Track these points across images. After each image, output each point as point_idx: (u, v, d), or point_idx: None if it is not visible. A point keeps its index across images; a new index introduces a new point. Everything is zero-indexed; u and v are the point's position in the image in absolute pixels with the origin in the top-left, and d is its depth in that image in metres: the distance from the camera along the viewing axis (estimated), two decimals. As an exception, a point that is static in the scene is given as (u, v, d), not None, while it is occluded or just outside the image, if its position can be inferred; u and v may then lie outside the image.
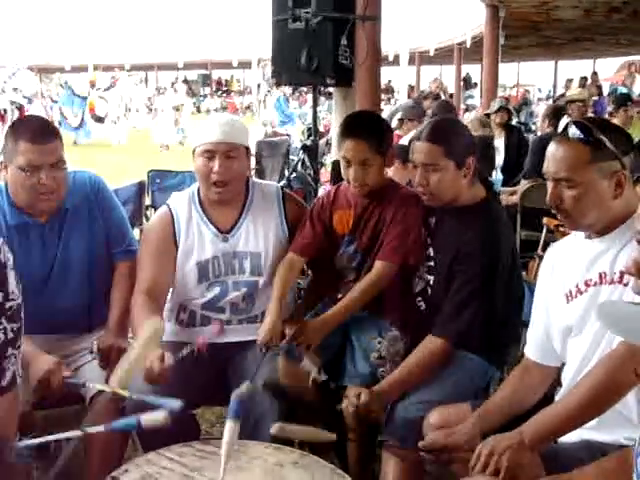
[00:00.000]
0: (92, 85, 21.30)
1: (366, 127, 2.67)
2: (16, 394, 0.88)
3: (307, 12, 4.08)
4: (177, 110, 20.85)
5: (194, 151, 2.68)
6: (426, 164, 2.49)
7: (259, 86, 25.23)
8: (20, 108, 13.20)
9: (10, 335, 0.82)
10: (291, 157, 7.69)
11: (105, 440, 2.46)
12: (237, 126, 2.70)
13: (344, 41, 4.13)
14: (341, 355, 2.68)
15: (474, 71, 26.57)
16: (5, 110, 12.71)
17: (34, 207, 2.60)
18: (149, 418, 1.99)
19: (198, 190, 2.76)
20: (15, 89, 13.46)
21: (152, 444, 2.35)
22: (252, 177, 2.99)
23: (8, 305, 0.81)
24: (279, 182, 5.97)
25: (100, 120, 20.33)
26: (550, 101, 19.86)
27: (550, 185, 2.05)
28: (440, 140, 2.49)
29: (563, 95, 14.29)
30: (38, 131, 2.55)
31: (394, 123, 6.51)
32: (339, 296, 2.70)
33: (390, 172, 2.91)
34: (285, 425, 2.14)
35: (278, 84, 4.86)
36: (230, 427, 1.93)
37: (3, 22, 32.17)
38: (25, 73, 14.88)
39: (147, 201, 4.89)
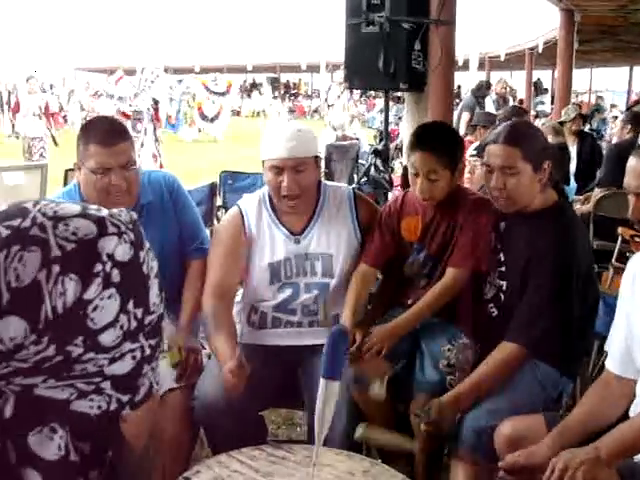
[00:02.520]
0: (205, 87, 21.95)
1: (436, 140, 2.62)
2: (151, 405, 0.85)
3: (381, 16, 4.06)
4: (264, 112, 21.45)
5: (263, 163, 2.66)
6: (503, 167, 2.45)
7: (328, 90, 25.29)
8: (156, 108, 13.88)
9: (147, 352, 0.82)
10: (360, 161, 7.69)
11: (174, 439, 2.49)
12: (305, 138, 2.65)
13: (417, 45, 4.10)
14: (410, 362, 2.66)
15: (545, 77, 26.15)
16: (141, 111, 13.29)
17: (106, 208, 2.63)
18: None
19: (269, 192, 2.75)
20: (151, 89, 14.11)
21: (220, 444, 2.38)
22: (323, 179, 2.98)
23: (148, 320, 0.81)
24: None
25: (206, 119, 21.41)
26: (623, 107, 19.38)
27: (632, 199, 1.99)
28: (518, 143, 2.44)
29: (638, 102, 13.92)
30: (107, 133, 2.57)
31: (462, 125, 6.45)
32: (409, 302, 2.68)
33: (476, 174, 2.87)
34: (370, 429, 2.11)
35: (350, 88, 4.84)
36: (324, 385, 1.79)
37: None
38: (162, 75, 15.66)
39: (218, 202, 4.94)
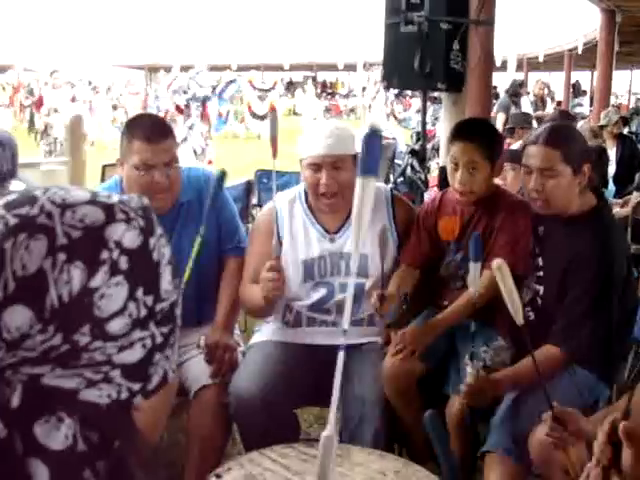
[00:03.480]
0: (251, 84, 22.24)
1: (477, 132, 2.64)
2: (166, 394, 0.85)
3: (420, 16, 4.04)
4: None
5: (301, 161, 2.67)
6: (543, 169, 2.42)
7: (364, 89, 25.25)
8: (204, 102, 14.16)
9: (159, 340, 0.79)
10: (396, 161, 7.67)
11: (207, 435, 2.50)
12: (343, 136, 2.65)
13: (456, 45, 4.07)
14: (445, 362, 2.64)
15: (583, 78, 25.82)
16: (185, 105, 13.56)
17: None
18: None
19: (305, 190, 2.76)
20: (200, 86, 14.36)
21: (254, 441, 2.39)
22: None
23: (158, 307, 0.78)
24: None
25: (256, 117, 21.85)
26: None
27: None
28: (558, 144, 2.42)
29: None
30: (152, 130, 2.59)
31: (498, 126, 6.40)
32: (445, 303, 2.67)
33: (509, 177, 2.85)
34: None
35: (388, 88, 4.81)
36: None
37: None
38: (206, 72, 16.00)
39: (254, 200, 4.96)
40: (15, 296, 0.71)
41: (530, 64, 26.72)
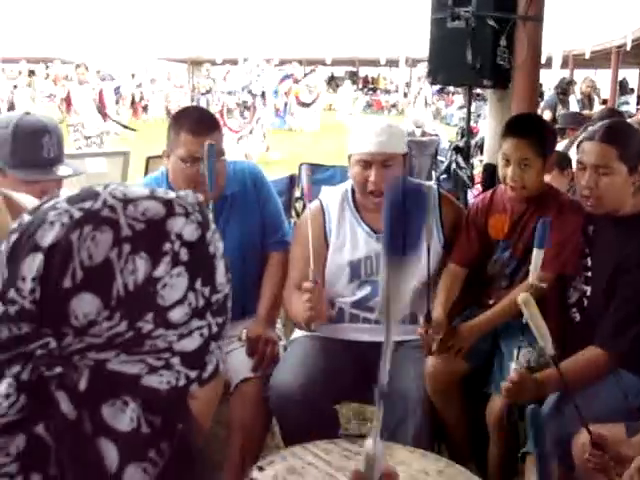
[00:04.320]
0: (295, 80, 22.46)
1: (530, 127, 2.61)
2: (217, 385, 0.88)
3: (467, 11, 3.99)
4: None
5: (349, 157, 2.65)
6: (597, 166, 2.37)
7: (406, 85, 25.14)
8: (263, 96, 14.57)
9: (214, 330, 0.82)
10: (439, 158, 7.61)
11: (247, 428, 2.51)
12: (394, 134, 2.62)
13: (503, 42, 4.02)
14: (489, 362, 2.62)
15: (630, 76, 25.39)
16: (246, 101, 13.91)
17: None
18: None
19: (353, 188, 2.73)
20: (257, 80, 14.72)
21: (293, 435, 2.39)
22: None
23: (215, 299, 0.81)
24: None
25: (304, 105, 21.98)
26: None
27: None
28: (615, 142, 2.36)
29: None
30: (199, 123, 2.61)
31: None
32: (490, 302, 2.64)
33: (547, 179, 2.81)
34: None
35: (433, 83, 4.78)
36: None
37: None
38: (265, 66, 16.37)
39: (296, 193, 4.94)
40: (83, 285, 0.75)
41: (576, 61, 26.32)
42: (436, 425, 2.53)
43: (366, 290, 2.68)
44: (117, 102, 15.87)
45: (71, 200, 0.80)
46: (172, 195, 0.83)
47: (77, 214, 0.77)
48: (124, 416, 0.75)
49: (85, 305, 0.75)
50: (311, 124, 21.69)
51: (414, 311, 2.63)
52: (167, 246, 0.78)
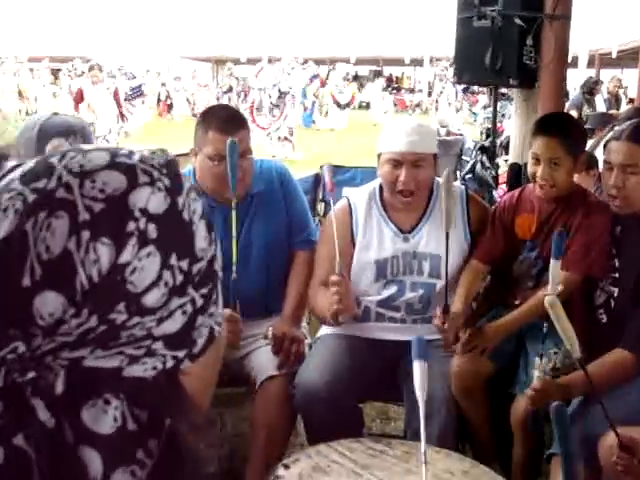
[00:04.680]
0: (322, 82, 22.55)
1: (561, 126, 2.59)
2: (215, 350, 0.80)
3: (493, 10, 3.98)
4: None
5: (379, 155, 2.65)
6: (625, 165, 2.36)
7: (429, 84, 25.05)
8: (292, 95, 14.76)
9: (199, 303, 0.74)
10: (464, 157, 7.57)
11: (272, 426, 2.52)
12: (425, 134, 2.63)
13: (530, 41, 4.00)
14: (515, 363, 2.61)
15: (658, 75, 25.10)
16: (278, 97, 14.10)
17: (220, 195, 2.66)
18: None
19: (380, 187, 2.73)
20: (286, 79, 14.95)
21: (317, 433, 2.40)
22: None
23: (195, 269, 0.73)
24: (453, 182, 5.88)
25: (340, 106, 22.29)
26: None
27: None
28: None
29: None
30: (226, 121, 2.62)
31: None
32: (516, 302, 2.63)
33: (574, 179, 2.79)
34: None
35: (459, 82, 4.76)
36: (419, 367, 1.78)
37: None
38: (296, 66, 16.55)
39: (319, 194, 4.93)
40: (43, 282, 0.67)
41: (602, 60, 26.08)
42: (461, 425, 2.53)
43: (392, 289, 2.68)
44: (143, 102, 15.85)
45: (24, 177, 0.70)
46: (135, 159, 0.73)
47: (31, 197, 0.68)
48: (106, 417, 0.69)
49: (49, 304, 0.67)
50: (340, 122, 21.76)
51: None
52: (131, 225, 0.69)
